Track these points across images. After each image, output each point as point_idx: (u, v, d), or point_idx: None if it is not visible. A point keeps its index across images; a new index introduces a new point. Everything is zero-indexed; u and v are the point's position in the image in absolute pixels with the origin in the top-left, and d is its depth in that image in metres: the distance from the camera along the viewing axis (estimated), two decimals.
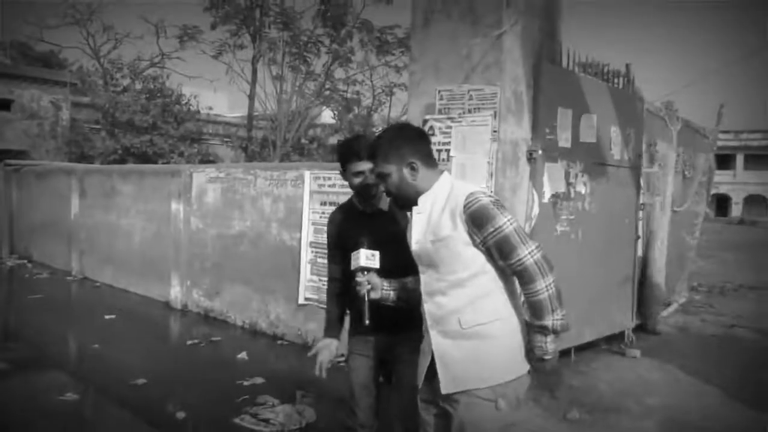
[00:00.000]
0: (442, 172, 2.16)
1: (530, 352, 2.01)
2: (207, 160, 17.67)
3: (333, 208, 5.47)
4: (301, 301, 5.96)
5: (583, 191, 4.87)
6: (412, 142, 2.14)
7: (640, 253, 5.85)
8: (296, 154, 19.67)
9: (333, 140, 21.11)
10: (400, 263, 2.30)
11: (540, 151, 4.46)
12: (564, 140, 4.69)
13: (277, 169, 6.73)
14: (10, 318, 7.85)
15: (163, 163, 15.89)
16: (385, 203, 2.62)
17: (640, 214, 5.78)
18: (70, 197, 10.42)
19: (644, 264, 6.00)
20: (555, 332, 1.94)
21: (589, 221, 4.94)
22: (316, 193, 5.73)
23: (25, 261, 11.63)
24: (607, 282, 5.26)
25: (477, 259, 1.99)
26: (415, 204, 2.13)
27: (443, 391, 2.04)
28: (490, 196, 2.00)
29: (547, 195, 4.56)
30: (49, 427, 4.11)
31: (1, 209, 12.40)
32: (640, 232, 5.81)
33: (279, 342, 6.22)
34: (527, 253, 1.91)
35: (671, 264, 6.68)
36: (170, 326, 7.34)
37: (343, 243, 2.69)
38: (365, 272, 2.32)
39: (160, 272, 8.16)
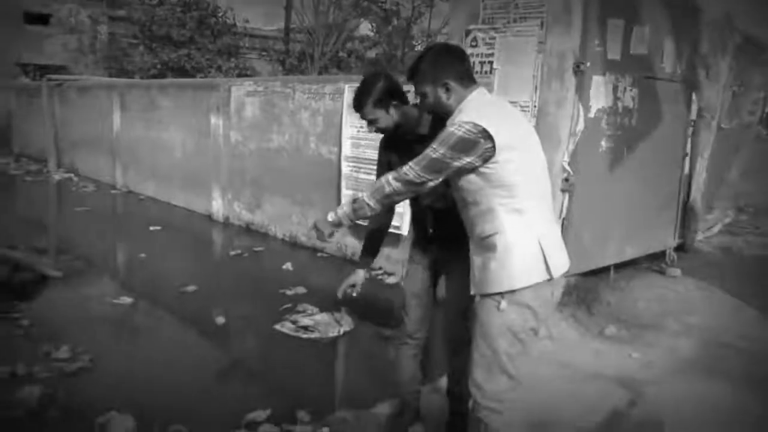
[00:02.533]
0: (474, 89, 2.20)
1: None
2: (244, 74, 17.56)
3: None
4: None
5: (631, 106, 4.68)
6: (448, 62, 2.19)
7: (686, 171, 5.68)
8: (334, 67, 19.38)
9: (371, 53, 20.67)
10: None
11: (588, 64, 4.27)
12: (613, 52, 4.46)
13: (316, 82, 6.65)
14: (60, 229, 8.17)
15: (201, 78, 15.86)
16: (425, 128, 2.59)
17: (689, 130, 5.57)
18: (112, 112, 10.55)
19: (689, 182, 5.84)
20: (353, 205, 2.19)
21: (636, 137, 4.78)
22: None
23: (71, 175, 11.97)
24: (651, 200, 5.14)
25: (474, 179, 2.08)
26: None
27: (471, 291, 2.19)
28: (462, 128, 2.02)
29: (594, 110, 4.40)
30: (104, 328, 4.35)
31: (47, 124, 12.66)
32: (688, 149, 5.62)
33: (319, 254, 6.35)
34: (411, 171, 2.09)
35: (717, 183, 6.49)
36: (213, 238, 7.56)
37: (388, 165, 2.70)
38: None
39: (201, 186, 8.31)
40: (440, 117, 2.27)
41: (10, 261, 5.11)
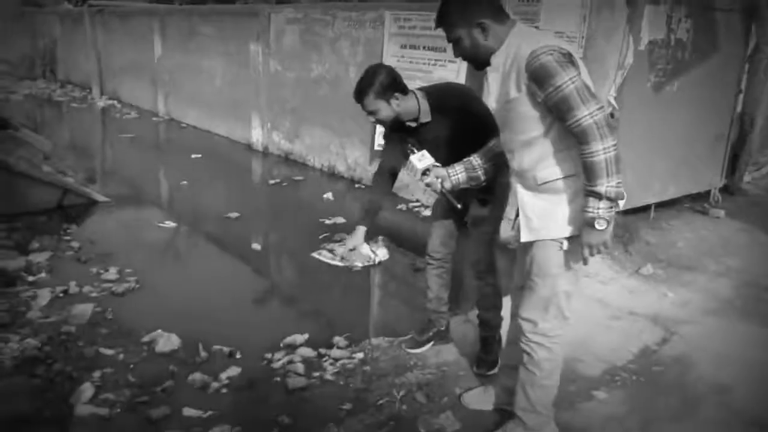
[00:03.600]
0: (514, 24, 2.06)
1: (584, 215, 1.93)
2: (283, 0, 17.22)
3: (413, 51, 5.31)
4: (376, 147, 6.01)
5: (684, 38, 4.47)
6: (478, 0, 2.04)
7: (739, 109, 5.45)
8: None
9: None
10: (454, 156, 2.43)
11: None
12: None
13: (356, 9, 6.50)
14: (106, 155, 8.38)
15: (241, 4, 15.65)
16: (426, 114, 2.63)
17: (746, 66, 5.31)
18: (153, 39, 10.54)
19: (742, 121, 5.61)
20: (609, 199, 1.87)
21: (688, 72, 4.58)
22: (396, 35, 5.53)
23: (114, 102, 12.13)
24: (699, 137, 4.98)
25: (545, 118, 1.96)
26: (489, 64, 2.09)
27: (522, 239, 2.12)
28: (554, 51, 1.87)
29: (644, 42, 4.22)
30: (149, 251, 4.51)
31: (90, 51, 12.75)
32: (743, 86, 5.37)
33: (357, 185, 6.39)
34: (586, 115, 1.83)
35: None
36: (253, 167, 7.65)
37: (407, 144, 2.72)
38: (428, 172, 2.41)
39: (241, 115, 8.36)
40: (442, 105, 2.35)
41: (61, 186, 5.28)
